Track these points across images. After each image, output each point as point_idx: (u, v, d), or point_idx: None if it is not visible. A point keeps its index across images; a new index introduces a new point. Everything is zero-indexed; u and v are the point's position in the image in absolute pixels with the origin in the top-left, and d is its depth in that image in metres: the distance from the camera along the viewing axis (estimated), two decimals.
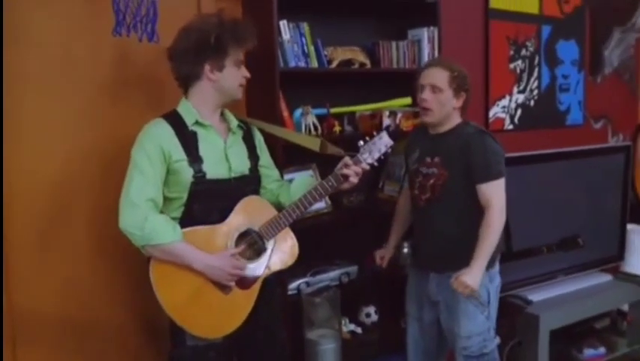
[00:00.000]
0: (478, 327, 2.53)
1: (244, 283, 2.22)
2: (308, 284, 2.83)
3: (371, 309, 3.18)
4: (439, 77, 2.46)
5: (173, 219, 2.16)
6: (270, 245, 2.25)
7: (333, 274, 2.95)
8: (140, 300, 2.66)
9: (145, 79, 2.59)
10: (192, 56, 2.15)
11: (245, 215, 2.23)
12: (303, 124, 2.87)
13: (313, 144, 2.43)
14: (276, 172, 2.49)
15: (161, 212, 2.15)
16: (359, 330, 3.13)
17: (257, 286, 2.24)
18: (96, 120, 2.62)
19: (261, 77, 2.73)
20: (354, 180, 2.30)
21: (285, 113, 2.76)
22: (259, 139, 2.45)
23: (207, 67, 2.17)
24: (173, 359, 2.27)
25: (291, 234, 2.33)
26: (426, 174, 2.53)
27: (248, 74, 2.29)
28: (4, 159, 2.40)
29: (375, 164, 2.32)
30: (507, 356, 3.56)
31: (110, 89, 2.64)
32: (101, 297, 2.68)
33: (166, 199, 2.16)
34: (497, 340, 2.65)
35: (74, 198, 2.59)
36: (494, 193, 2.43)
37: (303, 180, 2.54)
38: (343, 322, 3.00)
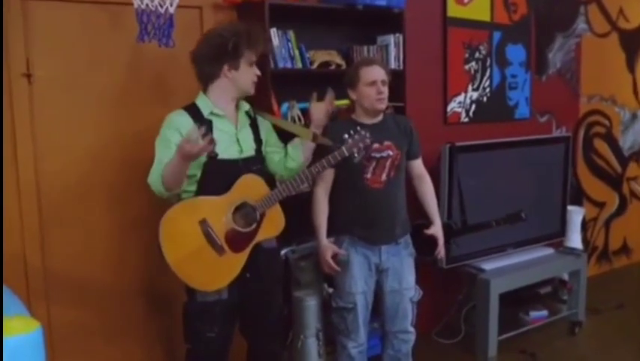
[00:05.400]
0: (414, 278, 3.02)
1: (236, 246, 2.49)
2: (294, 251, 3.19)
3: None
4: (383, 73, 2.85)
5: (189, 192, 2.48)
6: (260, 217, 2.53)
7: (314, 243, 3.24)
8: (150, 266, 3.03)
9: (158, 80, 2.87)
10: (213, 58, 2.48)
11: (242, 190, 2.51)
12: (289, 116, 3.17)
13: (306, 134, 2.70)
14: (281, 149, 2.75)
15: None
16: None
17: (247, 251, 2.51)
18: (115, 117, 2.95)
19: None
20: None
21: (275, 107, 3.06)
22: (265, 126, 2.73)
23: (225, 67, 2.50)
24: (185, 311, 2.58)
25: (279, 209, 2.62)
26: (380, 158, 2.80)
27: (259, 72, 2.61)
28: (37, 148, 2.75)
29: (356, 155, 2.62)
30: (463, 319, 3.99)
31: (128, 89, 2.96)
32: (117, 262, 3.00)
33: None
34: None
35: (96, 179, 2.93)
36: (422, 165, 3.04)
37: (294, 144, 2.75)
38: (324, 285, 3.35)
